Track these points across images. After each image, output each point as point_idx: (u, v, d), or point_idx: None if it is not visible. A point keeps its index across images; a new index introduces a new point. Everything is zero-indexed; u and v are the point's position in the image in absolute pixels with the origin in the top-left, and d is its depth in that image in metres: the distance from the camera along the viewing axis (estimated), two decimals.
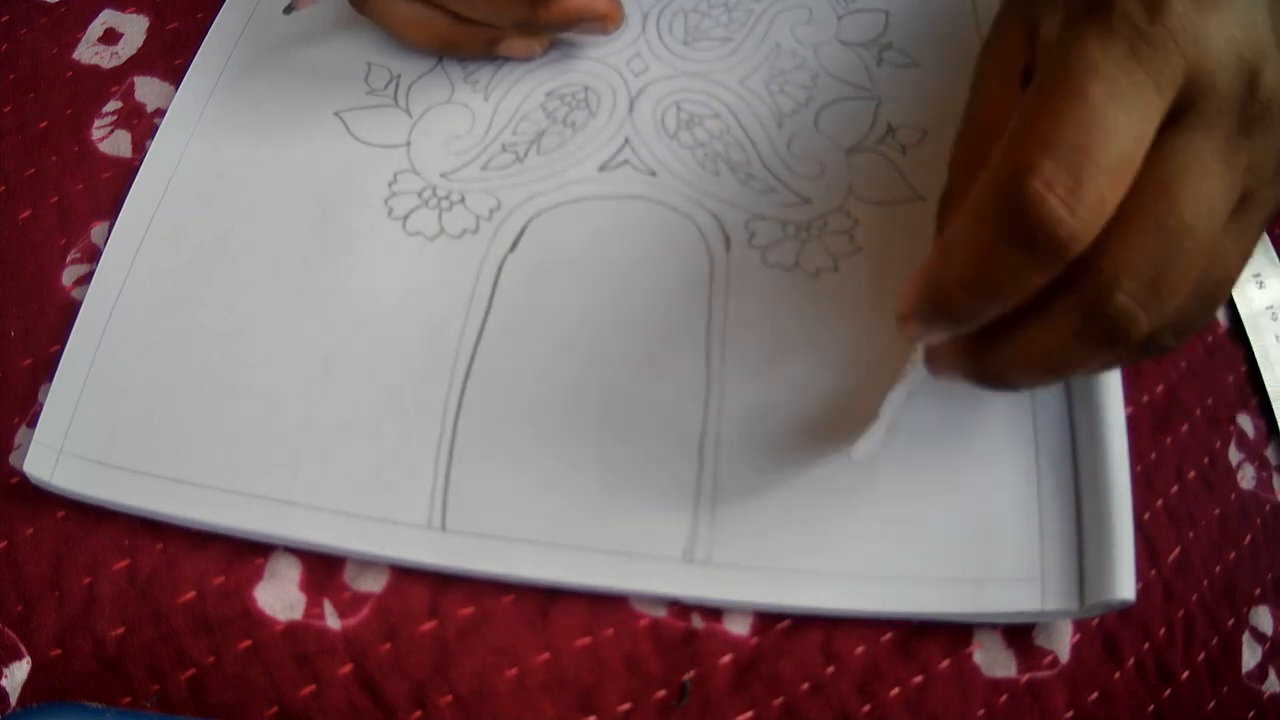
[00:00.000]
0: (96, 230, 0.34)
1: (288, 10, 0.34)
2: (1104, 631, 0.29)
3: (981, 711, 0.28)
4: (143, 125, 0.36)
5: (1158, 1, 0.22)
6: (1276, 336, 0.33)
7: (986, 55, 0.28)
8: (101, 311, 0.31)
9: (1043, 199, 0.21)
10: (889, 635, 0.28)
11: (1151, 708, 0.28)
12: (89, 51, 0.37)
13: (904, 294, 0.25)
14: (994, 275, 0.23)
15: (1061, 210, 0.21)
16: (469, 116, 0.35)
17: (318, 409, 0.30)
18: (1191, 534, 0.30)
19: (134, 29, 0.38)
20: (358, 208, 0.33)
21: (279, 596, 0.28)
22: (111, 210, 0.33)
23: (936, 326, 0.25)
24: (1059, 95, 0.22)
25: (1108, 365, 0.26)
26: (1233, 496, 0.31)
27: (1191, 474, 0.31)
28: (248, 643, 0.28)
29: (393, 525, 0.28)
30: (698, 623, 0.28)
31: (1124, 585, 0.27)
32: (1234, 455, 0.31)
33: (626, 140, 0.34)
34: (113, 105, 0.36)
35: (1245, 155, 0.23)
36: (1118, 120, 0.22)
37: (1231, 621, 0.29)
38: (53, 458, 0.29)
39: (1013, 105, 0.26)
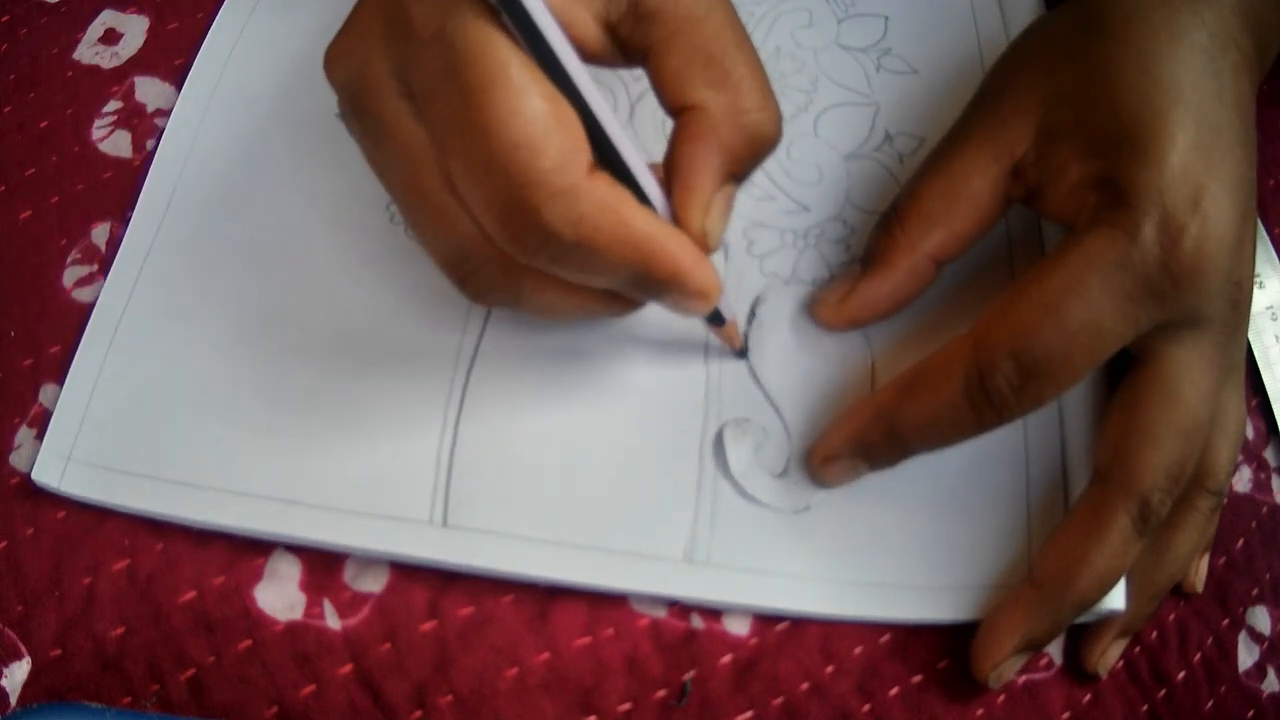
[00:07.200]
0: (97, 231, 0.34)
1: None
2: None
3: (980, 711, 0.28)
4: (143, 125, 0.36)
5: (1176, 236, 0.24)
6: (1276, 337, 0.33)
7: (981, 129, 0.28)
8: (111, 317, 0.31)
9: (1007, 399, 0.25)
10: (887, 636, 0.28)
11: (1145, 708, 0.28)
12: (89, 51, 0.37)
13: (842, 431, 0.28)
14: (953, 427, 0.26)
15: (1024, 406, 0.25)
16: None
17: (321, 408, 0.30)
18: None
19: (134, 29, 0.38)
20: (359, 210, 0.33)
21: (279, 596, 0.28)
22: (112, 210, 0.33)
23: (862, 466, 0.28)
24: (1052, 304, 0.25)
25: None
26: (1225, 501, 0.31)
27: None
28: (248, 643, 0.28)
29: (395, 522, 0.28)
30: (698, 623, 0.28)
31: (1114, 595, 0.27)
32: None
33: None
34: (113, 105, 0.36)
35: (1229, 346, 0.27)
36: (1104, 346, 0.25)
37: (1226, 622, 0.30)
38: (61, 464, 0.29)
39: (988, 202, 0.28)
